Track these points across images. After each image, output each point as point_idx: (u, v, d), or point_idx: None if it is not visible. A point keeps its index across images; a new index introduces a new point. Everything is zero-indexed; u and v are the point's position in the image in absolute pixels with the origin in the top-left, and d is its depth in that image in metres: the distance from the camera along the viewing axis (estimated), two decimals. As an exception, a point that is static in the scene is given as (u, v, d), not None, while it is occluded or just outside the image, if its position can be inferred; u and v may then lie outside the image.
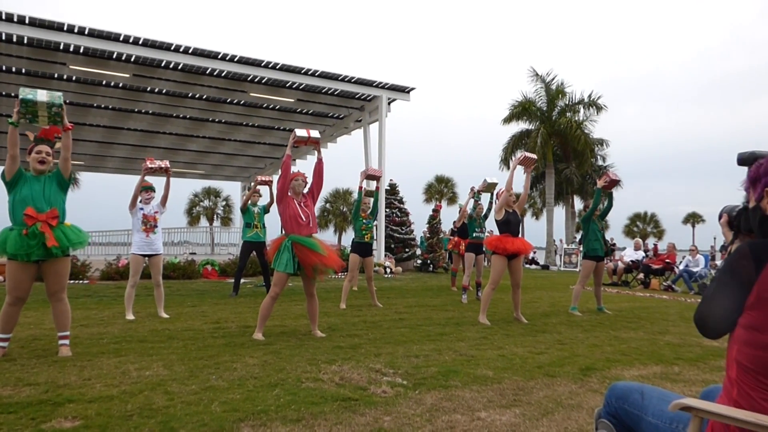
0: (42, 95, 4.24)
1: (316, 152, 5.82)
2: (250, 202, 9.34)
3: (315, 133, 5.66)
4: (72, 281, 11.30)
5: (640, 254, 15.45)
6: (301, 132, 5.60)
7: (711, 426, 1.59)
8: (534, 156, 6.97)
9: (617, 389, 1.98)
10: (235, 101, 18.25)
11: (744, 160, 1.80)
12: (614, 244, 19.01)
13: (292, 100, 17.93)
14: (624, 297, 11.08)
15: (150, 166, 6.73)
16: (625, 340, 5.89)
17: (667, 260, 14.25)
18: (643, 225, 60.14)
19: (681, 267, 13.94)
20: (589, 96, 26.39)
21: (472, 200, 9.59)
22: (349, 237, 10.69)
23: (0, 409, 3.05)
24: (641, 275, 14.34)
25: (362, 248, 8.61)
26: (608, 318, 7.60)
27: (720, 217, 1.84)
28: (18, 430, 2.77)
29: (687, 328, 6.76)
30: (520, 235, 7.20)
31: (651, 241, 50.04)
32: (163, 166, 6.78)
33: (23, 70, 15.12)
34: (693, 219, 67.97)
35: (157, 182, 7.22)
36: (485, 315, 6.92)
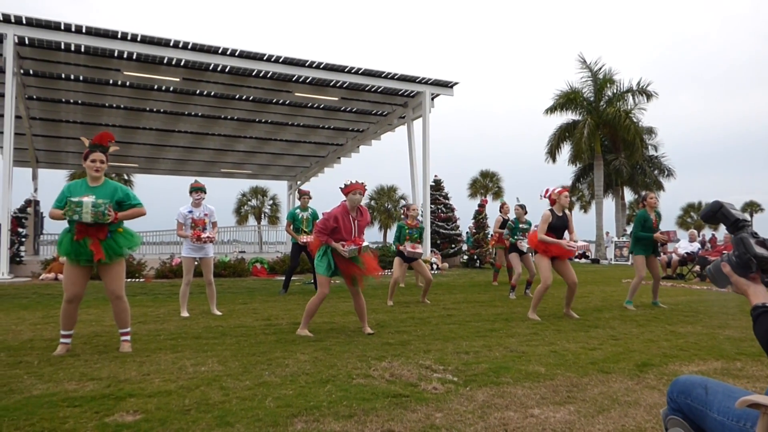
0: (87, 202, 4.35)
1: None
2: (299, 205, 9.55)
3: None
4: (128, 279, 11.71)
5: (696, 246, 14.90)
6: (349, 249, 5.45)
7: (781, 425, 1.51)
8: None
9: (679, 383, 1.90)
10: (280, 101, 18.49)
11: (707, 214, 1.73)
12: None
13: (336, 99, 18.03)
14: (680, 290, 10.71)
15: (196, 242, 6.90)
16: (683, 334, 5.70)
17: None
18: (697, 216, 57.87)
19: (740, 259, 13.37)
20: (638, 83, 25.62)
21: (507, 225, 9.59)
22: (393, 234, 10.56)
23: (66, 403, 3.19)
24: (697, 267, 13.84)
25: (404, 254, 8.41)
26: (664, 312, 7.36)
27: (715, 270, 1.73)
28: (83, 423, 2.89)
29: (748, 322, 6.46)
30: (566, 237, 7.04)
31: (707, 233, 48.11)
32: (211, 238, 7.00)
33: (81, 78, 15.74)
34: (751, 208, 64.96)
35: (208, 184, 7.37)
36: (535, 311, 6.82)
